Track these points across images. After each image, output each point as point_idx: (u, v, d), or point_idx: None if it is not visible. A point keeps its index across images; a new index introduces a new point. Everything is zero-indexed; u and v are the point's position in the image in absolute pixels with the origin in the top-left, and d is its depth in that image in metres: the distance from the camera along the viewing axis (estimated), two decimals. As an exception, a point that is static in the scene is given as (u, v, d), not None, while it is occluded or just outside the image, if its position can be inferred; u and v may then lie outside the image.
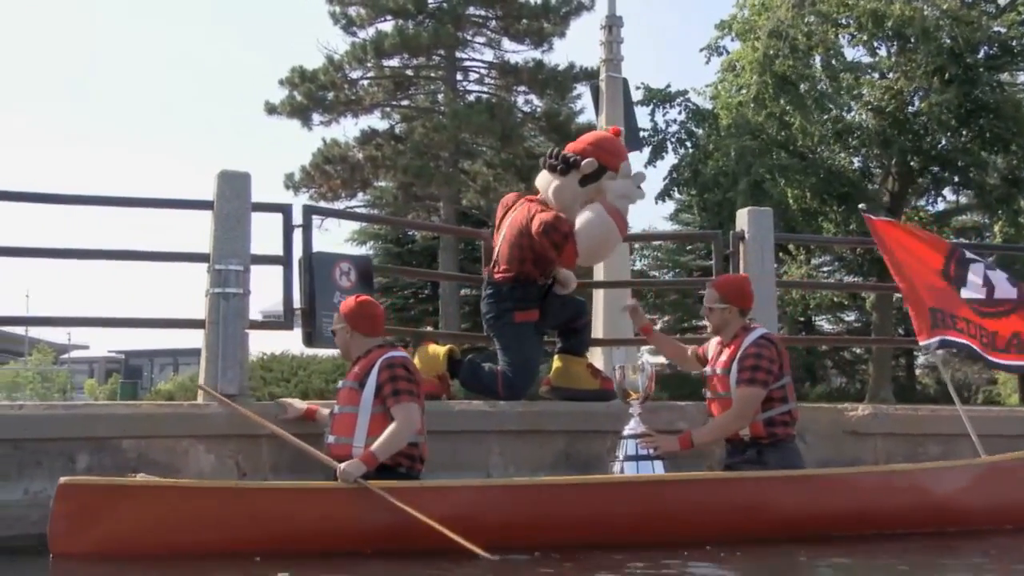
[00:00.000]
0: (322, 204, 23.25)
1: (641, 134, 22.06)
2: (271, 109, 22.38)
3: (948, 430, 6.75)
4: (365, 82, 23.27)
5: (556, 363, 6.53)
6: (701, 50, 23.27)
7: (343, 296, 6.35)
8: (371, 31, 23.01)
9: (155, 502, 4.87)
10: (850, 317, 29.50)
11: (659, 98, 21.81)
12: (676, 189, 21.76)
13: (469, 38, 23.80)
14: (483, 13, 23.64)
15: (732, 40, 23.11)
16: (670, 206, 24.67)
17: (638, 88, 21.94)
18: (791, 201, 20.22)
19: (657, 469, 5.55)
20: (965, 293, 6.50)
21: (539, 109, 23.61)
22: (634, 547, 5.07)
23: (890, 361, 24.53)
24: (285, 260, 6.34)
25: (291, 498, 4.98)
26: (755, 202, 18.37)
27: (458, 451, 6.10)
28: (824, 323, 29.58)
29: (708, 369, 5.93)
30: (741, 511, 5.36)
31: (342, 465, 5.03)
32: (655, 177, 21.79)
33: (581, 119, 25.19)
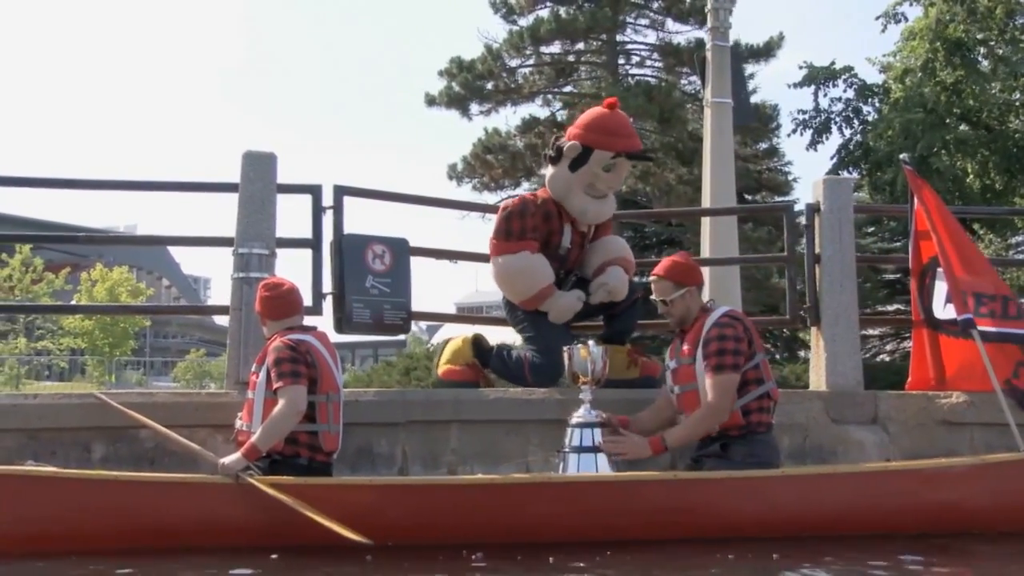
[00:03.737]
0: (485, 194, 23.25)
1: (801, 116, 21.13)
2: (431, 100, 22.44)
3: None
4: (525, 70, 23.06)
5: None
6: (877, 18, 21.94)
7: (376, 280, 6.11)
8: (531, 18, 22.78)
9: (19, 493, 4.64)
10: (1056, 300, 27.34)
11: (822, 76, 20.67)
12: (846, 169, 20.61)
13: (631, 20, 23.26)
14: (646, -6, 23.07)
15: (911, 5, 21.73)
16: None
17: (801, 68, 20.87)
18: (971, 176, 18.81)
19: (601, 462, 5.09)
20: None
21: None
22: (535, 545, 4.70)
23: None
24: (314, 243, 6.12)
25: (167, 492, 4.75)
26: (923, 178, 17.21)
27: (495, 441, 5.80)
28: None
29: (671, 363, 5.40)
30: (651, 513, 4.90)
31: (223, 460, 4.76)
32: (820, 159, 20.77)
33: (755, 99, 24.34)
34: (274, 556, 4.51)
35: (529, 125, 22.90)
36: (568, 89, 23.85)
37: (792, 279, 6.62)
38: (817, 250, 6.43)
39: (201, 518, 4.71)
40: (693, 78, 22.90)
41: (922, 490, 5.17)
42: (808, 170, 43.00)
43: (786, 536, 4.91)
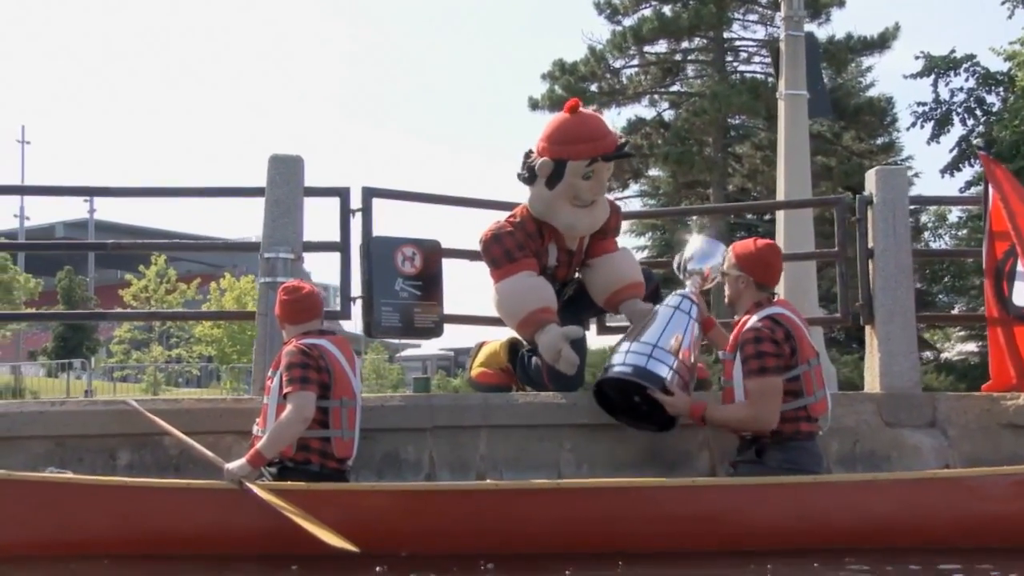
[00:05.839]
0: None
1: (921, 108, 20.35)
2: (533, 104, 22.36)
3: None
4: (630, 71, 22.81)
5: None
6: (1003, 3, 20.98)
7: (406, 283, 6.01)
8: (635, 18, 22.51)
9: (28, 497, 4.67)
10: None
11: (942, 66, 19.82)
12: (967, 162, 19.74)
13: (739, 16, 22.82)
14: (754, -10, 22.58)
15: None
16: (959, 180, 22.38)
17: (918, 58, 20.11)
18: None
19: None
20: None
21: (815, 85, 22.25)
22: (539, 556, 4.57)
23: None
24: (342, 246, 6.04)
25: (171, 497, 4.71)
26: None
27: (526, 447, 5.60)
28: None
29: (719, 353, 5.14)
30: (673, 521, 4.70)
31: (228, 465, 4.69)
32: (942, 152, 19.97)
33: (872, 92, 23.59)
34: (294, 567, 4.43)
35: (635, 126, 22.64)
36: (675, 88, 23.51)
37: (844, 275, 6.28)
38: (871, 244, 6.09)
39: (206, 524, 4.67)
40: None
41: (976, 500, 4.83)
42: (931, 164, 41.65)
43: (821, 548, 4.63)
